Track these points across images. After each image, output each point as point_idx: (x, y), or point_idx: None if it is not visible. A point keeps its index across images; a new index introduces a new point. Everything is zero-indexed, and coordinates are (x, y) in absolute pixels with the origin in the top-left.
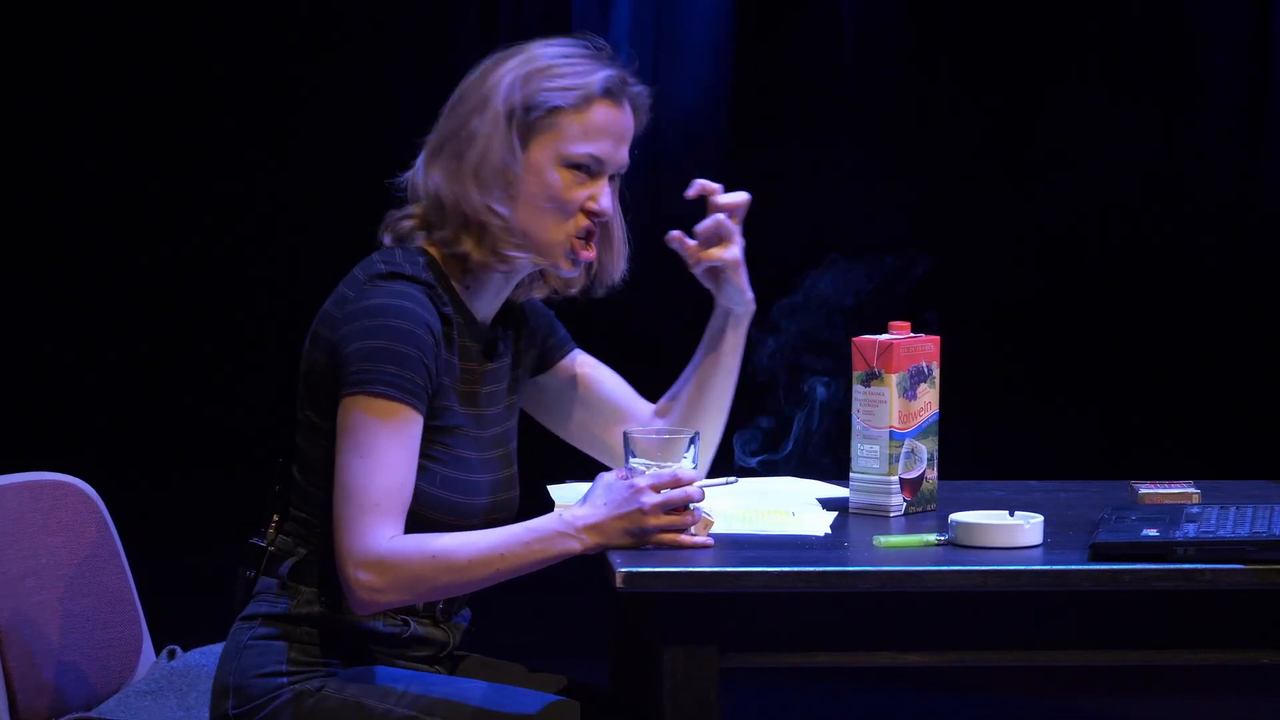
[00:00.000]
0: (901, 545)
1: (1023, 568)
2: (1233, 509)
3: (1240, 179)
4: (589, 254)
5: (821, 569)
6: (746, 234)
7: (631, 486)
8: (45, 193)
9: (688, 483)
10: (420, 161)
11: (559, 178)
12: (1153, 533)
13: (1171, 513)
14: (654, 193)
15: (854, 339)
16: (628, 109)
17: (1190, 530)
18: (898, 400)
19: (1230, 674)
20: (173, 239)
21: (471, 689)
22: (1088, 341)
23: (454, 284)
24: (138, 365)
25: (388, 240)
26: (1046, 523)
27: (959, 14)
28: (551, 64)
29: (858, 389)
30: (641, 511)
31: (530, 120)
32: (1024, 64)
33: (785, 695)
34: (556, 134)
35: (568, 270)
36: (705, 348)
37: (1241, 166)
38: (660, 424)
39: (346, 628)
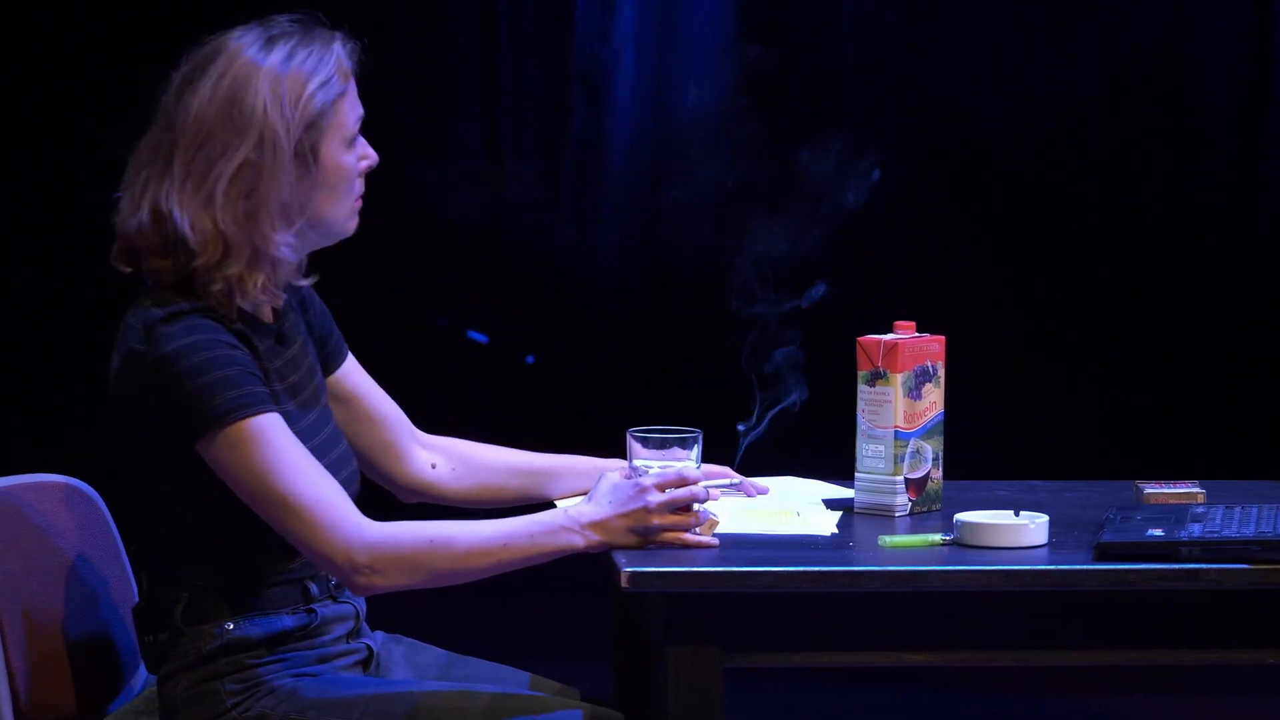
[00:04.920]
0: (906, 545)
1: (1028, 568)
2: (1238, 509)
3: (1242, 177)
4: (359, 203)
5: (826, 569)
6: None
7: (637, 485)
8: (45, 193)
9: (693, 482)
10: (171, 203)
11: (348, 158)
12: (1158, 533)
13: (1176, 513)
14: (656, 188)
15: (859, 339)
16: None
17: (1195, 530)
18: (903, 400)
19: (1235, 674)
20: None
21: (443, 694)
22: (1092, 341)
23: (227, 304)
24: None
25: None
26: (1051, 522)
27: (957, 14)
28: (300, 69)
29: (863, 389)
30: (647, 510)
31: (314, 134)
32: (1022, 63)
33: (789, 695)
34: (337, 123)
35: (353, 231)
36: (551, 474)
37: (1242, 166)
38: (429, 458)
39: (262, 639)
